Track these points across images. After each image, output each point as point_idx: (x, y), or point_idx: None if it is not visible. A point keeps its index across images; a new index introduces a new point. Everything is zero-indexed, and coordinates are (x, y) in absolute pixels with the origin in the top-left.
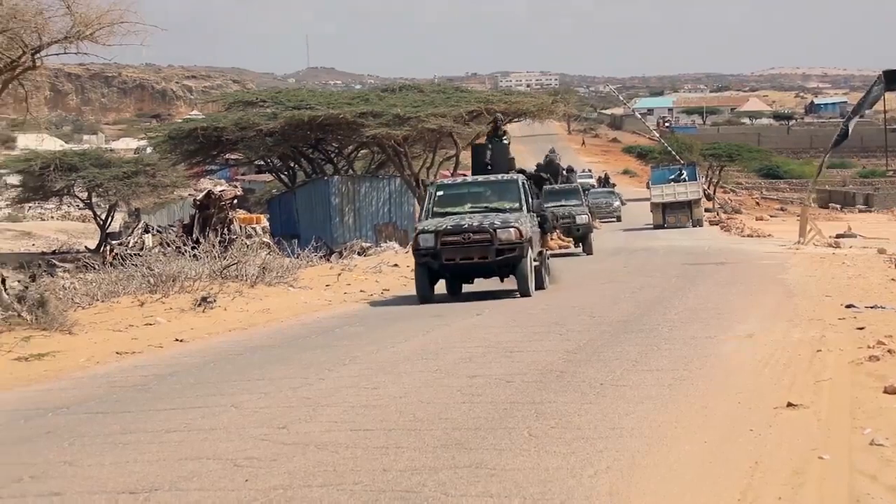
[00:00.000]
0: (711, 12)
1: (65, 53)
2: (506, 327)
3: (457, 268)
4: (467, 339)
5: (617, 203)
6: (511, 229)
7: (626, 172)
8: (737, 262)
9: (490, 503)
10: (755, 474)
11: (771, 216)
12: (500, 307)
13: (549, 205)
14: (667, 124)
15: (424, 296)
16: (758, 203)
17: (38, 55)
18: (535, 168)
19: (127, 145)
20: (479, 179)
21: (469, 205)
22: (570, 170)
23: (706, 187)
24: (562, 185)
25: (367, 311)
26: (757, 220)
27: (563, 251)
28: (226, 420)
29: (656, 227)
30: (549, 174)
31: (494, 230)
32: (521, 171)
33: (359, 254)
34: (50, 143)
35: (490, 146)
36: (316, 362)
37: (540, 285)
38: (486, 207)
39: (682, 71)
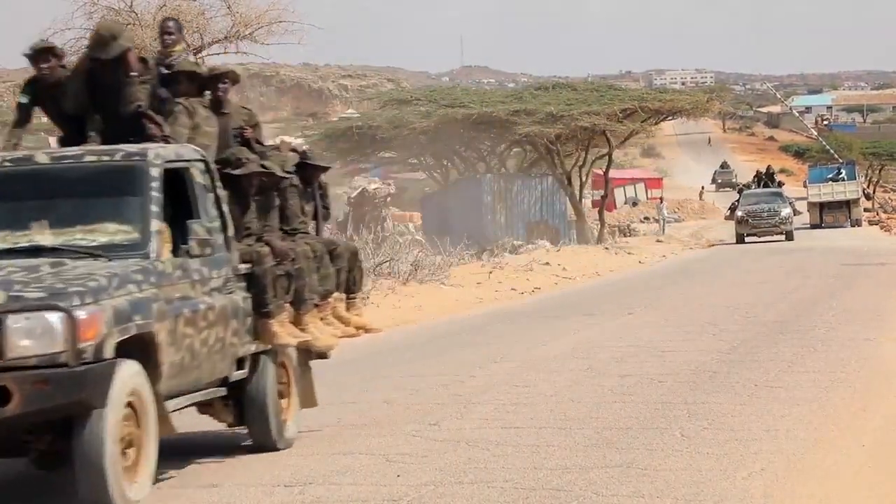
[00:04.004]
0: (873, 7)
1: (225, 53)
2: (658, 326)
3: None
4: (618, 338)
5: (787, 210)
6: None
7: (782, 171)
8: None
9: (641, 503)
10: None
11: None
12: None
13: None
14: (825, 122)
15: None
16: None
17: (199, 55)
18: None
19: None
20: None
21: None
22: None
23: (866, 186)
24: None
25: (517, 309)
26: None
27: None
28: (378, 416)
29: (813, 226)
30: None
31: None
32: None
33: (510, 252)
34: None
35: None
36: (466, 360)
37: None
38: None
39: (842, 68)
